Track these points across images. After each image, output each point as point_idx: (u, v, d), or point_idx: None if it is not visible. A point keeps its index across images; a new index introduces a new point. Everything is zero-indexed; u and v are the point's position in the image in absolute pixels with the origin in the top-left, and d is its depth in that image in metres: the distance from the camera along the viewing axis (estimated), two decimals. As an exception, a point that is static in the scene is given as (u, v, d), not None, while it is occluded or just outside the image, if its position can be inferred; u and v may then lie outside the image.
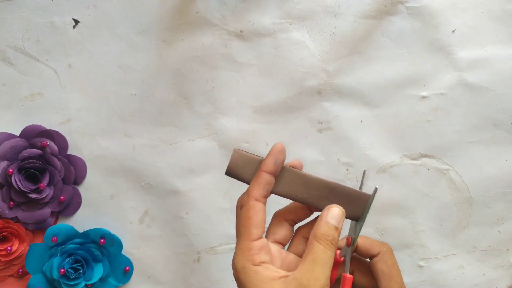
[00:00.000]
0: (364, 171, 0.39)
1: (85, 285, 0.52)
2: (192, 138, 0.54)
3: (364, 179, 0.38)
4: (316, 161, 0.54)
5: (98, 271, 0.53)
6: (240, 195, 0.37)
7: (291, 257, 0.37)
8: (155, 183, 0.54)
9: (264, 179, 0.35)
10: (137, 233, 0.55)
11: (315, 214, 0.38)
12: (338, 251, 0.38)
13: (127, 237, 0.55)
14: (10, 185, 0.51)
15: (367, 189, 0.37)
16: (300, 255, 0.38)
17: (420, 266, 0.56)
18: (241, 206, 0.36)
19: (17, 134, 0.52)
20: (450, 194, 0.55)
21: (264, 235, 0.36)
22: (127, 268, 0.54)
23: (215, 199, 0.55)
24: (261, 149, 0.54)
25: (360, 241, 0.40)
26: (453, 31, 0.52)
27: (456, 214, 0.55)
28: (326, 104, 0.54)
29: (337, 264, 0.38)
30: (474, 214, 0.55)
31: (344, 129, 0.54)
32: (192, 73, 0.53)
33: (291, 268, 0.36)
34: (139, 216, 0.55)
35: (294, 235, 0.39)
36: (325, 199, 0.37)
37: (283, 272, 0.34)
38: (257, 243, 0.35)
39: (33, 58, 0.52)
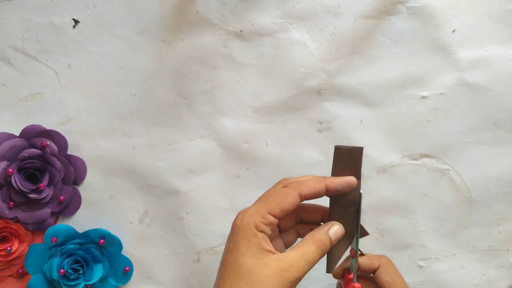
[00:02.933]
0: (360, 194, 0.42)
1: (85, 285, 0.52)
2: (192, 138, 0.54)
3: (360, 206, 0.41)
4: (316, 161, 0.54)
5: (98, 272, 0.53)
6: (239, 195, 0.38)
7: (279, 242, 0.42)
8: (155, 183, 0.54)
9: (320, 188, 0.38)
10: (137, 233, 0.55)
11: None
12: (347, 269, 0.42)
13: (127, 237, 0.55)
14: (10, 185, 0.51)
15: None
16: (286, 244, 0.42)
17: (420, 266, 0.56)
18: (285, 185, 0.39)
19: (17, 134, 0.52)
20: (450, 194, 0.55)
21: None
22: (127, 268, 0.54)
23: (215, 199, 0.55)
24: (261, 149, 0.54)
25: (360, 260, 0.44)
26: (453, 31, 0.52)
27: (456, 214, 0.55)
28: (326, 104, 0.54)
29: (348, 282, 0.42)
30: (474, 214, 0.55)
31: (344, 129, 0.54)
32: (192, 73, 0.53)
33: (276, 250, 0.39)
34: (139, 216, 0.55)
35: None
36: (341, 217, 0.41)
37: (272, 248, 0.38)
38: (271, 218, 0.37)
39: (33, 58, 0.52)
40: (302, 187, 0.38)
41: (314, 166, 0.54)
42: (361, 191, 0.40)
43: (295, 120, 0.54)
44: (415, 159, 0.54)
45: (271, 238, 0.40)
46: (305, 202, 0.40)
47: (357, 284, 0.41)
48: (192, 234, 0.55)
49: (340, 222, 0.40)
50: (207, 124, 0.54)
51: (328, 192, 0.39)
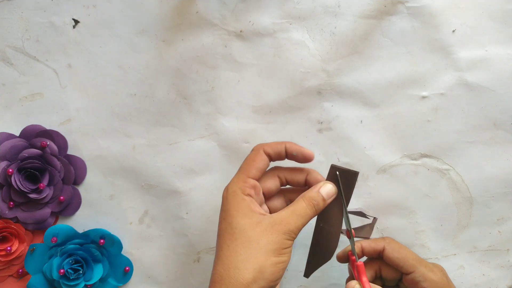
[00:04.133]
0: (374, 218, 0.46)
1: (85, 285, 0.52)
2: (192, 138, 0.54)
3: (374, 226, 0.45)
4: (316, 161, 0.54)
5: (98, 272, 0.53)
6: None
7: (265, 208, 0.44)
8: (155, 183, 0.54)
9: (280, 148, 0.42)
10: (137, 233, 0.55)
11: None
12: (350, 252, 0.44)
13: (127, 237, 0.55)
14: (10, 185, 0.51)
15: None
16: (272, 210, 0.44)
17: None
18: (252, 150, 0.43)
19: (17, 134, 0.52)
20: (450, 194, 0.55)
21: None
22: (127, 268, 0.54)
23: (215, 199, 0.55)
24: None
25: (364, 244, 0.46)
26: (453, 31, 0.52)
27: (457, 214, 0.55)
28: (326, 104, 0.54)
29: (354, 263, 0.43)
30: (474, 214, 0.55)
31: (344, 129, 0.54)
32: (192, 73, 0.53)
33: None
34: (139, 216, 0.55)
35: (278, 193, 0.45)
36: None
37: (263, 211, 0.40)
38: (252, 180, 0.41)
39: (33, 58, 0.52)
40: (265, 146, 0.42)
41: (314, 166, 0.54)
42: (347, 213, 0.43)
43: (295, 120, 0.54)
44: (415, 159, 0.54)
45: (259, 203, 0.42)
46: (291, 166, 0.44)
47: (359, 262, 0.42)
48: (192, 234, 0.55)
49: (327, 224, 0.43)
50: (207, 124, 0.54)
51: (287, 154, 0.42)
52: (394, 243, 0.46)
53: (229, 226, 0.39)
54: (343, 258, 0.47)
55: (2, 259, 0.52)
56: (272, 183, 0.44)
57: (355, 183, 0.43)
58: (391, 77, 0.53)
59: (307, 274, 0.45)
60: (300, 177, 0.44)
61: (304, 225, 0.40)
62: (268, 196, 0.44)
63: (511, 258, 0.56)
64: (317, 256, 0.44)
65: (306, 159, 0.43)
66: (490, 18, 0.52)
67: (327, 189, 0.42)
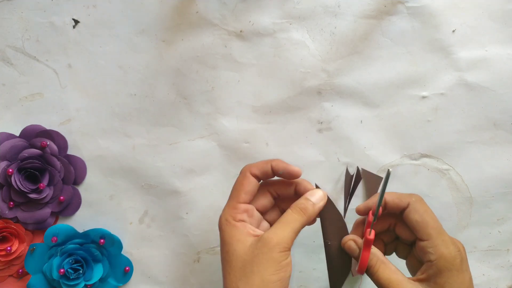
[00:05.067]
0: (388, 170, 0.40)
1: (85, 285, 0.52)
2: (192, 138, 0.54)
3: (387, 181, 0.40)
4: (316, 161, 0.54)
5: (98, 271, 0.53)
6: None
7: (265, 224, 0.45)
8: (155, 183, 0.54)
9: (267, 168, 0.42)
10: (137, 233, 0.55)
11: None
12: (371, 211, 0.42)
13: (127, 237, 0.55)
14: (10, 185, 0.51)
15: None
16: (271, 223, 0.45)
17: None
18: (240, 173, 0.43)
19: (17, 134, 0.52)
20: (450, 194, 0.55)
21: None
22: (127, 268, 0.54)
23: (215, 199, 0.55)
24: (261, 149, 0.54)
25: (388, 197, 0.42)
26: (453, 31, 0.52)
27: (456, 214, 0.55)
28: (326, 104, 0.54)
29: (369, 225, 0.41)
30: (474, 214, 0.55)
31: (344, 129, 0.54)
32: (192, 73, 0.53)
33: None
34: (139, 216, 0.55)
35: (274, 206, 0.46)
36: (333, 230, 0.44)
37: (258, 232, 0.41)
38: (242, 205, 0.42)
39: (33, 58, 0.52)
40: (252, 168, 0.42)
41: (314, 166, 0.54)
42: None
43: (295, 120, 0.54)
44: (415, 159, 0.54)
45: (257, 224, 0.43)
46: (275, 178, 0.44)
47: (370, 236, 0.40)
48: (192, 234, 0.55)
49: (333, 239, 0.43)
50: (207, 124, 0.54)
51: (274, 172, 0.42)
52: (419, 204, 0.42)
53: (227, 254, 0.40)
54: (362, 212, 0.44)
55: (2, 259, 0.52)
56: (264, 200, 0.44)
57: (386, 185, 0.40)
58: (391, 77, 0.53)
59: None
60: (289, 190, 0.44)
61: (297, 233, 0.40)
62: (264, 212, 0.45)
63: (511, 258, 0.56)
64: (336, 275, 0.43)
65: (292, 176, 0.42)
66: (490, 18, 0.52)
67: (315, 194, 0.42)
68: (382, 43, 0.53)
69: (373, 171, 0.54)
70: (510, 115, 0.54)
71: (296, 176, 0.42)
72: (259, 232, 0.41)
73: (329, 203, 0.43)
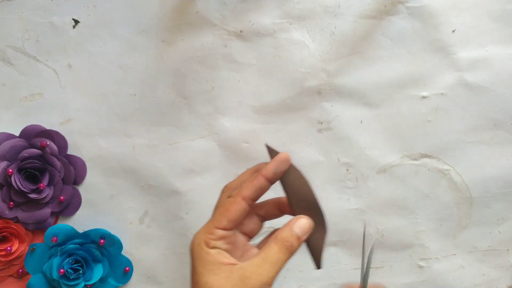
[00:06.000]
0: (364, 224, 0.40)
1: (85, 285, 0.52)
2: (192, 138, 0.54)
3: (365, 231, 0.39)
4: (316, 161, 0.54)
5: (98, 272, 0.53)
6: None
7: (254, 251, 0.39)
8: (155, 183, 0.54)
9: (260, 183, 0.36)
10: (137, 233, 0.55)
11: (286, 217, 0.39)
12: None
13: (127, 237, 0.55)
14: (10, 185, 0.51)
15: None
16: None
17: (420, 266, 0.56)
18: (228, 195, 0.38)
19: (17, 134, 0.52)
20: (450, 194, 0.55)
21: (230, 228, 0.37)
22: (127, 268, 0.54)
23: (215, 199, 0.54)
24: (261, 149, 0.54)
25: None
26: (453, 31, 0.52)
27: (457, 214, 0.55)
28: (326, 104, 0.54)
29: None
30: (475, 214, 0.55)
31: (344, 129, 0.54)
32: (192, 73, 0.53)
33: None
34: (139, 216, 0.55)
35: (269, 235, 0.40)
36: (305, 212, 0.38)
37: (233, 260, 0.36)
38: (221, 232, 0.36)
39: (33, 58, 0.52)
40: (243, 191, 0.36)
41: (314, 166, 0.54)
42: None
43: (295, 120, 0.54)
44: (415, 159, 0.54)
45: (242, 251, 0.38)
46: (262, 200, 0.39)
47: None
48: (192, 234, 0.55)
49: (304, 213, 0.37)
50: (207, 124, 0.54)
51: (270, 181, 0.37)
52: None
53: (196, 285, 0.35)
54: None
55: (2, 259, 0.52)
56: (252, 224, 0.39)
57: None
58: (391, 77, 0.53)
59: (318, 265, 0.40)
60: (274, 209, 0.40)
61: (279, 272, 0.35)
62: (253, 236, 0.40)
63: (511, 258, 0.56)
64: (314, 239, 0.38)
65: (285, 162, 0.37)
66: (490, 18, 0.52)
67: (301, 224, 0.37)
68: (382, 43, 0.53)
69: (373, 171, 0.54)
70: (510, 115, 0.54)
71: (287, 159, 0.37)
72: (233, 260, 0.36)
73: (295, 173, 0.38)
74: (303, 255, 0.56)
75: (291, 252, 0.36)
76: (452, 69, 0.53)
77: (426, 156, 0.54)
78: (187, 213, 0.55)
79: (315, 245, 0.38)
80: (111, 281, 0.54)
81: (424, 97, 0.54)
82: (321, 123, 0.54)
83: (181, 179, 0.54)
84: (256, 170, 0.38)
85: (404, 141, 0.54)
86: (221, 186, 0.55)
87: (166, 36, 0.52)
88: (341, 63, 0.53)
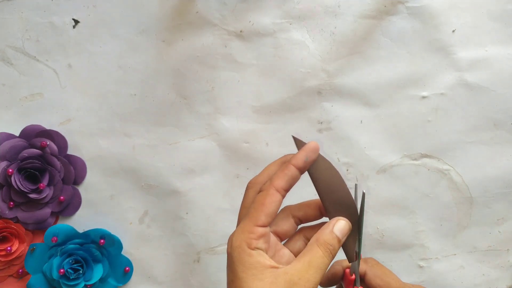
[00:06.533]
0: (356, 185, 0.39)
1: (85, 285, 0.52)
2: (192, 138, 0.54)
3: (357, 192, 0.38)
4: (316, 161, 0.54)
5: (98, 272, 0.53)
6: (239, 195, 0.37)
7: (286, 252, 0.37)
8: (155, 183, 0.54)
9: (291, 172, 0.35)
10: (137, 233, 0.55)
11: (324, 219, 0.38)
12: (348, 270, 0.39)
13: (127, 237, 0.55)
14: (10, 185, 0.51)
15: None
16: (295, 253, 0.38)
17: (420, 266, 0.56)
18: (259, 190, 0.36)
19: (17, 134, 0.52)
20: (450, 194, 0.55)
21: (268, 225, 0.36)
22: (127, 268, 0.54)
23: (215, 199, 0.55)
24: (261, 149, 0.54)
25: (345, 265, 0.41)
26: (453, 31, 0.52)
27: (457, 214, 0.55)
28: (326, 104, 0.54)
29: (350, 283, 0.39)
30: (475, 214, 0.55)
31: (344, 129, 0.54)
32: (192, 73, 0.53)
33: (281, 262, 0.36)
34: (139, 216, 0.55)
35: (296, 232, 0.39)
36: (337, 206, 0.37)
37: (274, 263, 0.34)
38: (261, 229, 0.34)
39: (33, 58, 0.52)
40: (275, 182, 0.35)
41: (314, 166, 0.54)
42: (363, 191, 0.37)
43: (295, 120, 0.54)
44: (415, 159, 0.54)
45: (274, 251, 0.37)
46: (302, 202, 0.38)
47: None
48: (192, 234, 0.55)
49: (338, 210, 0.37)
50: (207, 124, 0.54)
51: (300, 170, 0.36)
52: (376, 268, 0.41)
53: None
54: (333, 279, 0.40)
55: (2, 259, 0.52)
56: (287, 225, 0.38)
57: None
58: (391, 77, 0.53)
59: (351, 258, 0.39)
60: (313, 211, 0.39)
61: (323, 275, 0.34)
62: (285, 238, 0.39)
63: (511, 258, 0.56)
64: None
65: (315, 150, 0.36)
66: (490, 18, 0.52)
67: (341, 227, 0.36)
68: (382, 43, 0.53)
69: (373, 171, 0.54)
70: (510, 115, 0.54)
71: (316, 148, 0.36)
72: (274, 263, 0.34)
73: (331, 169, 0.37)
74: (303, 255, 0.56)
75: (333, 255, 0.35)
76: (452, 69, 0.53)
77: (426, 156, 0.54)
78: (187, 213, 0.55)
79: (348, 239, 0.37)
80: (111, 281, 0.54)
81: (424, 97, 0.54)
82: (321, 123, 0.54)
83: (181, 179, 0.54)
84: (284, 162, 0.37)
85: (404, 141, 0.54)
86: (221, 186, 0.55)
87: (166, 36, 0.52)
88: (341, 63, 0.53)
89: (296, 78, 0.53)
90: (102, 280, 0.53)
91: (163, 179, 0.54)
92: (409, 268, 0.55)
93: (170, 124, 0.54)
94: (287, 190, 0.35)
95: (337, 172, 0.37)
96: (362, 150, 0.54)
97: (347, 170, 0.54)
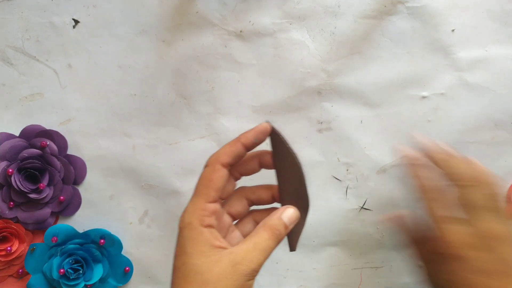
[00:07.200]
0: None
1: (85, 285, 0.52)
2: (192, 138, 0.54)
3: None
4: (316, 161, 0.54)
5: (98, 272, 0.53)
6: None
7: (237, 234, 0.39)
8: (155, 183, 0.54)
9: (238, 149, 0.37)
10: (137, 233, 0.55)
11: (275, 205, 0.40)
12: None
13: (127, 237, 0.55)
14: (10, 185, 0.51)
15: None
16: (244, 235, 0.39)
17: (421, 267, 0.55)
18: (205, 164, 0.37)
19: (17, 134, 0.52)
20: (450, 194, 0.55)
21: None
22: (127, 268, 0.54)
23: (215, 199, 0.55)
24: (261, 149, 0.54)
25: None
26: (453, 31, 0.52)
27: (456, 214, 0.55)
28: (326, 104, 0.54)
29: None
30: (474, 214, 0.55)
31: (344, 129, 0.54)
32: (192, 73, 0.53)
33: (232, 243, 0.37)
34: (139, 216, 0.55)
35: (247, 215, 0.40)
36: (292, 195, 0.39)
37: (224, 243, 0.35)
38: (211, 206, 0.36)
39: (33, 58, 0.52)
40: (221, 157, 0.36)
41: (314, 166, 0.54)
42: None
43: (295, 120, 0.54)
44: (415, 159, 0.54)
45: (226, 232, 0.38)
46: (257, 185, 0.40)
47: None
48: (192, 234, 0.55)
49: (291, 199, 0.38)
50: (207, 124, 0.54)
51: (247, 148, 0.37)
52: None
53: (183, 266, 0.34)
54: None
55: (2, 259, 0.52)
56: (240, 206, 0.39)
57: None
58: (391, 77, 0.53)
59: (293, 247, 0.40)
60: (266, 195, 0.40)
61: (267, 259, 0.35)
62: (237, 218, 0.40)
63: (511, 258, 0.56)
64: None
65: (265, 132, 0.37)
66: (490, 18, 0.52)
67: (289, 215, 0.37)
68: (382, 43, 0.53)
69: (373, 171, 0.54)
70: (510, 115, 0.54)
71: (267, 129, 0.37)
72: (224, 243, 0.35)
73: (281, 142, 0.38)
74: (303, 255, 0.57)
75: (279, 240, 0.36)
76: (452, 69, 0.53)
77: (426, 156, 0.54)
78: (187, 213, 0.55)
79: (294, 228, 0.38)
80: (111, 281, 0.54)
81: (424, 97, 0.54)
82: (321, 123, 0.54)
83: (181, 179, 0.54)
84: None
85: (404, 141, 0.54)
86: (221, 186, 0.55)
87: (166, 36, 0.52)
88: (341, 63, 0.53)
89: (296, 78, 0.53)
90: (102, 280, 0.53)
91: (163, 179, 0.54)
92: (409, 268, 0.55)
93: (170, 124, 0.54)
94: (231, 165, 0.37)
95: (300, 165, 0.38)
96: (362, 150, 0.54)
97: (347, 170, 0.54)
